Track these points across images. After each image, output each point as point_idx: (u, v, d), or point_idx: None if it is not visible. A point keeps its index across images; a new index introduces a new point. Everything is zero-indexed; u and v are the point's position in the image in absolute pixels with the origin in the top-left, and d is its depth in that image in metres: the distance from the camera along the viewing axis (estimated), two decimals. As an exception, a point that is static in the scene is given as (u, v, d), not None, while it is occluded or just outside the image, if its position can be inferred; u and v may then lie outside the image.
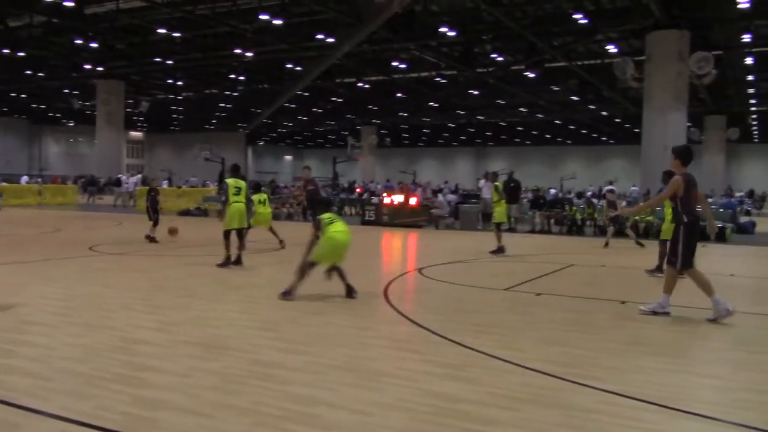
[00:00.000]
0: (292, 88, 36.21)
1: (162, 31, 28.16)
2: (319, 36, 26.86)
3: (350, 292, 7.88)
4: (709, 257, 12.59)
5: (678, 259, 7.06)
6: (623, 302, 7.99)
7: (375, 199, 24.20)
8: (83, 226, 19.48)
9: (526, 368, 5.01)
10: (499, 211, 13.27)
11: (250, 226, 11.57)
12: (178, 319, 6.51)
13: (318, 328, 6.28)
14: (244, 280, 9.43)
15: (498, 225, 13.26)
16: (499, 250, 12.90)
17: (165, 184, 36.65)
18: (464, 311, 7.32)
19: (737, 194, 39.14)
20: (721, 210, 19.79)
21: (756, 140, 61.96)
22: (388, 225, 20.62)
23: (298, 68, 34.14)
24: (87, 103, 44.20)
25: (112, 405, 4.07)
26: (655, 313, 7.04)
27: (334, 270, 7.92)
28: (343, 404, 4.16)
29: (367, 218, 21.96)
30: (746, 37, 26.41)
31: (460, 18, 25.99)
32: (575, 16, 23.74)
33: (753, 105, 43.49)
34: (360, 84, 39.27)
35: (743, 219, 22.61)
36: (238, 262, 10.55)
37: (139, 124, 62.82)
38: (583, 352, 5.60)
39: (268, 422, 3.85)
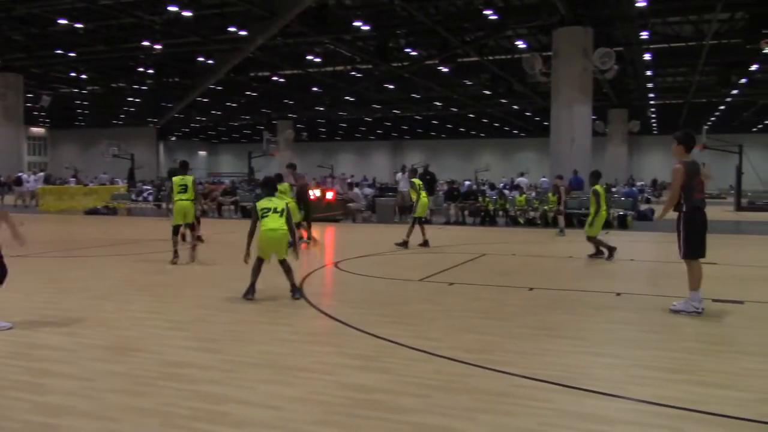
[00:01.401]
0: (205, 82, 35.30)
1: (63, 21, 26.80)
2: (232, 29, 26.27)
3: (293, 291, 7.55)
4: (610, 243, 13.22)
5: (681, 249, 6.86)
6: (531, 289, 8.29)
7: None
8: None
9: (439, 356, 5.13)
10: (422, 205, 13.43)
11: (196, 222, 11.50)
12: (83, 322, 6.25)
13: (230, 326, 6.19)
14: (152, 279, 9.17)
15: (419, 219, 13.42)
16: (425, 243, 13.16)
17: (72, 182, 35.02)
18: (380, 303, 7.40)
19: (638, 183, 41.22)
20: (622, 199, 20.79)
21: (655, 132, 65.53)
22: (304, 220, 20.46)
23: (210, 61, 33.31)
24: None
25: (10, 413, 3.88)
26: (695, 312, 6.70)
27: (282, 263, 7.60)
28: (255, 401, 4.13)
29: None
30: (644, 35, 27.81)
31: (374, 12, 26.05)
32: (486, 12, 24.26)
33: (652, 99, 45.89)
34: (275, 78, 38.75)
35: (643, 207, 23.86)
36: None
37: (40, 119, 59.55)
38: (493, 338, 5.78)
39: (177, 423, 3.78)
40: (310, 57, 33.44)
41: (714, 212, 29.08)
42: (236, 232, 17.70)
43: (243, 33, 26.20)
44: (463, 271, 10.16)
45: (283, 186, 12.78)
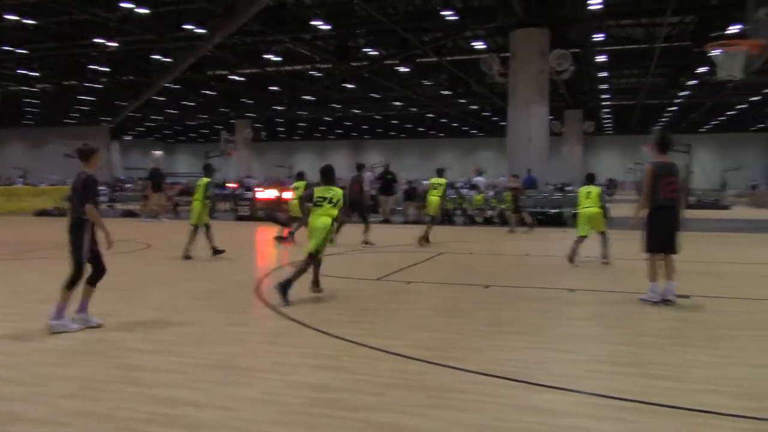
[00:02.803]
0: (161, 80, 34.68)
1: (12, 17, 26.02)
2: (189, 26, 25.91)
3: (314, 286, 7.62)
4: (565, 241, 13.46)
5: (644, 243, 7.23)
6: (487, 286, 8.40)
7: (248, 194, 23.79)
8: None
9: (395, 354, 5.16)
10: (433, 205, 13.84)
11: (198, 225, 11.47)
12: (33, 326, 6.09)
13: (186, 328, 6.12)
14: (107, 281, 8.96)
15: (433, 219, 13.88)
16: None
17: (20, 183, 34.03)
18: (337, 302, 7.40)
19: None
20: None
21: (609, 132, 67.04)
22: (262, 220, 20.35)
23: (167, 59, 32.77)
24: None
25: (-47, 421, 3.78)
26: (649, 302, 7.16)
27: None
28: (210, 402, 4.11)
29: (240, 214, 21.60)
30: (599, 37, 28.39)
31: (333, 11, 26.01)
32: (444, 13, 24.45)
33: (606, 100, 46.88)
34: (233, 77, 38.35)
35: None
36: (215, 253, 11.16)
37: (-14, 118, 57.76)
38: (448, 335, 5.84)
39: (130, 426, 3.73)
40: (268, 56, 33.20)
41: (665, 210, 29.89)
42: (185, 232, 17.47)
43: (200, 31, 25.86)
44: (420, 269, 10.24)
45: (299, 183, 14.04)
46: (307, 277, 7.49)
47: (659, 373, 4.71)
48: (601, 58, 32.33)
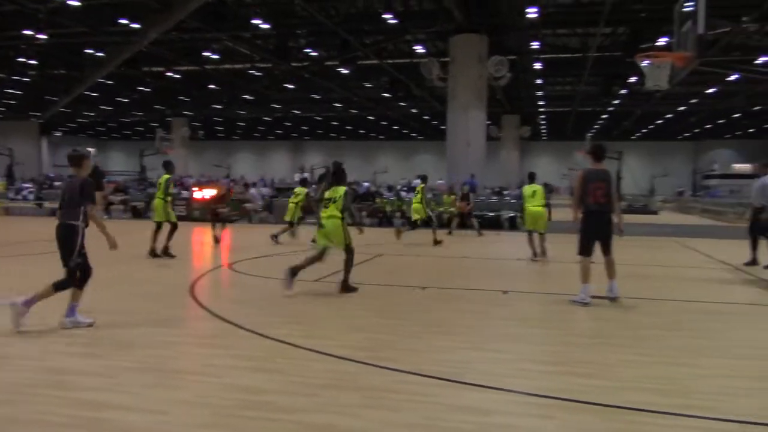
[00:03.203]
0: (93, 75, 33.60)
1: (-69, 6, 24.76)
2: (123, 21, 25.22)
3: (345, 286, 8.11)
4: (502, 244, 13.78)
5: (577, 245, 7.68)
6: (424, 288, 8.50)
7: (185, 194, 23.32)
8: None
9: (330, 355, 5.17)
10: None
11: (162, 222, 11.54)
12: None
13: (114, 330, 5.96)
14: (33, 282, 8.64)
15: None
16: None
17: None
18: (273, 304, 7.35)
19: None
20: (513, 201, 21.65)
21: (545, 138, 68.77)
22: (199, 220, 20.00)
23: (100, 54, 31.77)
24: None
25: None
26: (581, 303, 7.44)
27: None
28: (139, 406, 4.02)
29: (177, 214, 21.12)
30: (535, 45, 29.13)
31: (273, 11, 25.79)
32: (385, 16, 24.59)
33: (542, 106, 48.11)
34: (169, 74, 37.49)
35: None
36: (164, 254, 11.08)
37: None
38: (383, 336, 5.89)
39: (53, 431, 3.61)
40: (207, 53, 32.63)
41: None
42: (127, 233, 17.01)
43: (135, 26, 25.19)
44: (358, 271, 10.23)
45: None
46: (237, 282, 7.41)
47: (586, 371, 4.87)
48: (537, 66, 33.14)
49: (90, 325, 6.07)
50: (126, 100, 48.63)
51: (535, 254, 11.77)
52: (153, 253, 11.17)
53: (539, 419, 3.92)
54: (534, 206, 11.78)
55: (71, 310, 6.07)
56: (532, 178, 12.33)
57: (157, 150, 36.99)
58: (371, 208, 20.70)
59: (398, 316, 6.81)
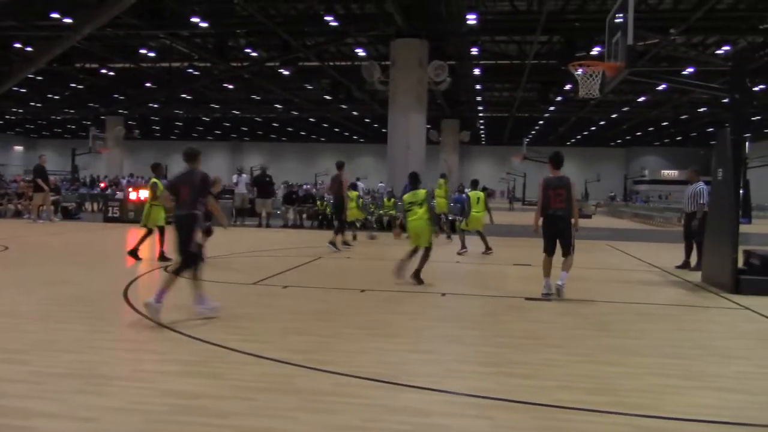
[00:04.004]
0: (22, 70, 32.24)
1: None
2: (55, 15, 24.31)
3: (416, 276, 9.09)
4: (441, 247, 13.92)
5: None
6: (363, 291, 8.53)
7: (119, 195, 22.67)
8: None
9: (266, 359, 5.12)
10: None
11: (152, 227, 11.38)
12: None
13: (41, 335, 5.74)
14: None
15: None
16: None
17: None
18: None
19: (466, 190, 43.75)
20: (451, 204, 21.88)
21: (484, 142, 70.02)
22: (134, 222, 19.48)
23: (29, 49, 30.53)
24: None
25: None
26: (545, 296, 8.17)
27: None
28: (66, 413, 3.89)
29: (110, 215, 20.54)
30: (474, 51, 29.62)
31: (212, 9, 25.33)
32: (327, 18, 24.53)
33: (481, 111, 48.94)
34: (104, 71, 36.38)
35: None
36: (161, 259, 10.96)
37: None
38: (320, 338, 5.88)
39: (-27, 441, 3.46)
40: (143, 51, 31.82)
41: (531, 218, 31.62)
42: (59, 233, 16.42)
43: (67, 20, 24.31)
44: (298, 273, 10.20)
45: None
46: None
47: (520, 371, 4.99)
48: (477, 71, 33.70)
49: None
50: (57, 98, 46.94)
51: (463, 246, 13.61)
52: (162, 257, 11.00)
53: (472, 419, 3.99)
54: (477, 212, 13.48)
55: (201, 299, 6.61)
56: (475, 185, 14.04)
57: (91, 149, 35.84)
58: (311, 211, 20.60)
59: (336, 319, 6.80)
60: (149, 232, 11.32)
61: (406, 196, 9.37)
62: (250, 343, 5.55)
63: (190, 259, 6.52)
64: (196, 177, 6.64)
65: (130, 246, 11.42)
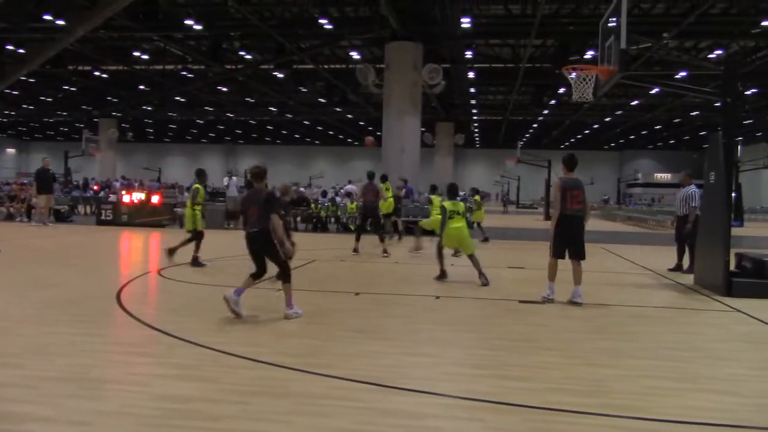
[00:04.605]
0: (15, 73, 32.14)
1: None
2: (47, 17, 24.25)
3: (481, 277, 9.61)
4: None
5: (550, 248, 8.37)
6: (357, 294, 8.52)
7: (113, 197, 22.60)
8: None
9: (261, 362, 5.11)
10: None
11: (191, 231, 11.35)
12: None
13: (35, 338, 5.71)
14: None
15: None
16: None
17: None
18: (204, 311, 7.20)
19: (461, 193, 43.79)
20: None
21: (478, 145, 70.14)
22: (127, 225, 19.44)
23: (21, 51, 30.44)
24: None
25: None
26: (546, 300, 8.18)
27: (463, 255, 10.27)
28: (60, 417, 3.87)
29: (103, 218, 20.47)
30: (469, 54, 29.71)
31: (207, 11, 25.35)
32: (321, 21, 24.57)
33: (475, 114, 49.07)
34: (97, 73, 36.32)
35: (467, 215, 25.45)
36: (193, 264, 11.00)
37: None
38: (315, 342, 5.87)
39: (-35, 446, 3.44)
40: (137, 53, 31.79)
41: (525, 221, 31.72)
42: (51, 236, 16.36)
43: (60, 22, 24.25)
44: (293, 277, 10.16)
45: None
46: (166, 289, 7.23)
47: (514, 374, 4.99)
48: (471, 75, 33.79)
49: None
50: (50, 100, 46.82)
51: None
52: (195, 262, 11.03)
53: (466, 422, 3.99)
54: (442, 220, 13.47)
55: (290, 302, 7.01)
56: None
57: (84, 152, 35.72)
58: (305, 214, 20.59)
59: (331, 322, 6.80)
60: (198, 236, 11.20)
61: (447, 203, 9.88)
62: (244, 347, 5.54)
63: (285, 268, 7.04)
64: (261, 195, 7.03)
65: (168, 245, 11.24)
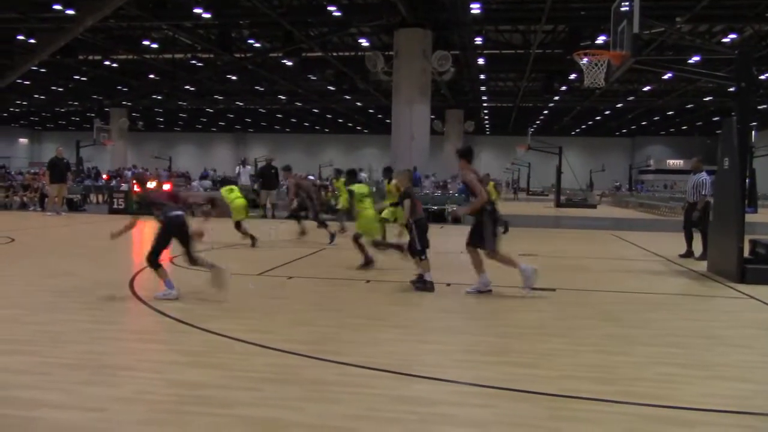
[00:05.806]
0: (25, 63, 32.27)
1: None
2: (57, 7, 24.28)
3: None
4: (445, 237, 13.93)
5: (485, 242, 7.79)
6: (368, 281, 8.53)
7: (124, 187, 22.70)
8: None
9: (273, 349, 5.13)
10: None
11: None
12: None
13: (47, 326, 5.76)
14: None
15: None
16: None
17: None
18: (215, 298, 7.22)
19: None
20: (456, 195, 21.88)
21: (488, 132, 69.81)
22: (138, 214, 19.52)
23: (32, 41, 30.53)
24: None
25: None
26: (480, 291, 7.74)
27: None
28: (74, 404, 3.90)
29: (115, 207, 20.58)
30: (478, 40, 29.50)
31: (216, 0, 25.32)
32: (330, 8, 24.47)
33: (485, 101, 48.79)
34: (107, 62, 36.40)
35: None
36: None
37: None
38: (327, 329, 5.88)
39: (-19, 431, 3.48)
40: (146, 42, 31.79)
41: (536, 208, 31.61)
42: (63, 225, 16.47)
43: (70, 12, 24.28)
44: (303, 264, 10.22)
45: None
46: (178, 276, 7.27)
47: (523, 361, 4.98)
48: (481, 61, 33.56)
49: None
50: (61, 90, 47.00)
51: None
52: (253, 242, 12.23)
53: (477, 408, 3.99)
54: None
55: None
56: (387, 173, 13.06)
57: (95, 141, 35.88)
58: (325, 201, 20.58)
59: (342, 309, 6.81)
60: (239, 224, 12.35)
61: (354, 187, 9.93)
62: (256, 334, 5.56)
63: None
64: None
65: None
